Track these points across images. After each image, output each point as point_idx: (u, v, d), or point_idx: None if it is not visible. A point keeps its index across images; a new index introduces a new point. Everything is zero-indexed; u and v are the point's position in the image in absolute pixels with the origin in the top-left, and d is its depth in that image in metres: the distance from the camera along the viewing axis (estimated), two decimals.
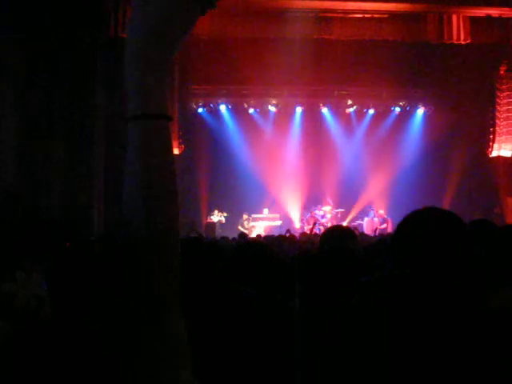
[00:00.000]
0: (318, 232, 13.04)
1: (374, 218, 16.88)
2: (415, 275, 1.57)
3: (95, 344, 1.09)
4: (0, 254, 3.46)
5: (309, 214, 17.29)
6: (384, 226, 16.57)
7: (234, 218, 16.60)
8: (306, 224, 17.11)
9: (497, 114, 16.15)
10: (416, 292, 1.54)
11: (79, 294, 1.23)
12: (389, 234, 11.06)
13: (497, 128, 16.15)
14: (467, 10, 14.72)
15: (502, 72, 16.09)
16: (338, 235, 3.02)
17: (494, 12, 14.66)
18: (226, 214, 16.54)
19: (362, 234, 12.45)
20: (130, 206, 1.06)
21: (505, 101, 16.07)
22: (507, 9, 14.59)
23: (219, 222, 16.47)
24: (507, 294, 1.92)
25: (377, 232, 15.14)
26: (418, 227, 1.68)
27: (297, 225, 17.51)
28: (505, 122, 16.06)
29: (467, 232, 1.66)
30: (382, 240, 4.88)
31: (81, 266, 1.26)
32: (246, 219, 16.62)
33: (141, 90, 1.06)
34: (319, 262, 2.60)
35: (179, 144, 16.01)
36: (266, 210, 17.08)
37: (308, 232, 13.57)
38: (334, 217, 17.34)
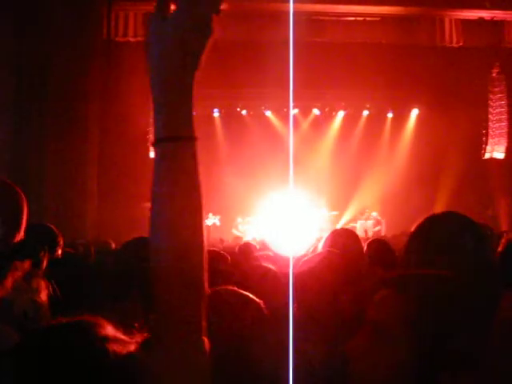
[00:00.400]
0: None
1: (368, 220, 16.87)
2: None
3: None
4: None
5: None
6: (378, 228, 16.57)
7: (227, 222, 16.57)
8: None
9: (489, 116, 16.22)
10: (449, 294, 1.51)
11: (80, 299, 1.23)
12: (383, 237, 11.07)
13: (489, 130, 16.22)
14: (459, 13, 14.79)
15: (494, 74, 16.16)
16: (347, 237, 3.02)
17: (486, 15, 14.73)
18: (218, 217, 16.50)
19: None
20: (155, 233, 1.05)
21: (497, 103, 16.14)
22: (499, 11, 14.67)
23: (213, 224, 16.43)
24: None
25: (367, 234, 15.19)
26: (440, 232, 1.66)
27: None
28: (497, 124, 16.13)
29: (487, 237, 1.65)
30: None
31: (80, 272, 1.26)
32: (240, 222, 16.60)
33: (167, 112, 1.06)
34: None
35: None
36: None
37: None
38: (328, 220, 17.32)
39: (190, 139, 1.06)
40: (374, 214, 17.04)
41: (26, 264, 3.42)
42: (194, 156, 1.06)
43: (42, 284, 3.21)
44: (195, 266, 1.04)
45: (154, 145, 1.06)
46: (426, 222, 1.71)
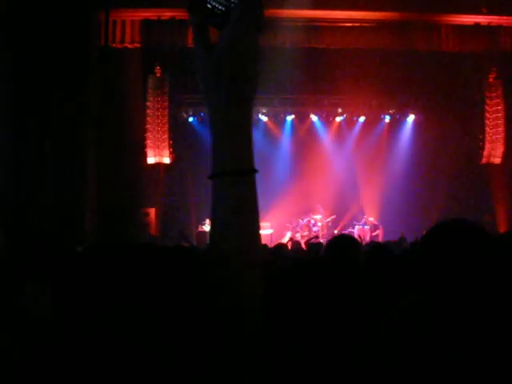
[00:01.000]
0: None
1: (365, 225, 16.89)
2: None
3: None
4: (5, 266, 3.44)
5: (301, 223, 17.30)
6: (377, 232, 16.60)
7: None
8: (299, 231, 17.11)
9: (486, 121, 16.25)
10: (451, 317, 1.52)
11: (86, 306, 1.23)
12: (380, 242, 11.07)
13: (486, 135, 16.25)
14: (455, 19, 14.85)
15: (490, 80, 16.20)
16: (342, 244, 3.02)
17: (482, 20, 14.79)
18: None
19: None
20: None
21: (494, 108, 16.18)
22: (495, 17, 14.73)
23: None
24: None
25: (363, 240, 15.17)
26: (448, 241, 1.64)
27: (287, 233, 17.48)
28: (494, 130, 16.16)
29: (495, 246, 1.63)
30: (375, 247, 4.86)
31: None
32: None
33: (229, 146, 1.06)
34: (320, 269, 2.60)
35: (170, 153, 16.01)
36: None
37: (299, 240, 13.60)
38: (325, 225, 17.34)
39: (251, 172, 1.08)
40: (371, 219, 17.08)
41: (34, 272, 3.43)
42: (254, 186, 1.09)
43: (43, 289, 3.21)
44: (255, 282, 1.06)
45: (214, 177, 1.07)
46: (434, 232, 1.70)
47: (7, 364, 1.13)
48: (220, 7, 1.04)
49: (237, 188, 1.06)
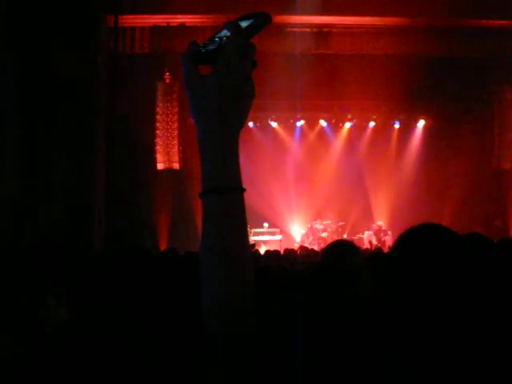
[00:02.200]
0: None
1: (374, 231, 16.84)
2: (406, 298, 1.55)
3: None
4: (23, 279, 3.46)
5: (309, 228, 17.29)
6: (385, 238, 16.54)
7: None
8: (306, 238, 17.09)
9: (496, 126, 16.19)
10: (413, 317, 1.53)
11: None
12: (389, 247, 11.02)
13: (496, 140, 16.19)
14: (466, 23, 14.81)
15: (499, 83, 16.15)
16: (339, 249, 3.01)
17: (490, 24, 14.76)
18: None
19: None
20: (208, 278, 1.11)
21: (504, 113, 16.12)
22: (504, 21, 14.69)
23: None
24: None
25: (373, 246, 15.15)
26: (417, 245, 1.65)
27: (297, 239, 17.47)
28: (504, 135, 16.10)
29: (468, 250, 1.64)
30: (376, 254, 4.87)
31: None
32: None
33: (217, 164, 1.11)
34: (319, 275, 2.60)
35: (180, 159, 16.04)
36: (266, 224, 17.03)
37: (308, 246, 13.58)
38: (335, 230, 17.31)
39: (238, 190, 1.13)
40: (380, 223, 17.00)
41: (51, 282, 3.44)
42: (242, 203, 1.13)
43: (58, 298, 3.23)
44: (248, 291, 1.10)
45: (202, 195, 1.12)
46: (404, 236, 1.71)
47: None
48: (212, 47, 1.14)
49: (225, 204, 1.10)
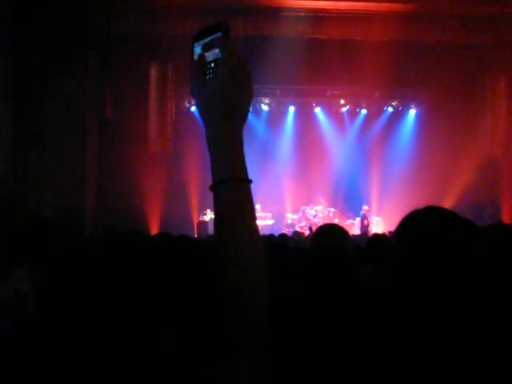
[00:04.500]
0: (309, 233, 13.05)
1: (368, 217, 16.88)
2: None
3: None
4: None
5: (301, 214, 17.33)
6: (371, 225, 16.59)
7: None
8: (298, 223, 17.14)
9: (489, 115, 16.22)
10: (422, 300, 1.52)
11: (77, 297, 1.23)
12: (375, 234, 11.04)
13: (489, 128, 16.23)
14: (459, 11, 14.76)
15: (494, 73, 16.16)
16: (330, 233, 3.02)
17: (486, 12, 14.72)
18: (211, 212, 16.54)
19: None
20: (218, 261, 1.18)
21: (497, 102, 16.15)
22: (499, 9, 14.65)
23: (211, 220, 16.46)
24: None
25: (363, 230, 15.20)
26: (422, 228, 1.63)
27: (289, 224, 17.52)
28: (497, 123, 16.14)
29: (476, 233, 1.61)
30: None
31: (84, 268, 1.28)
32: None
33: (225, 158, 1.22)
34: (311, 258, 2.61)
35: (172, 143, 16.01)
36: (257, 206, 17.05)
37: (300, 230, 13.62)
38: (326, 216, 17.36)
39: (245, 181, 1.22)
40: (365, 207, 16.95)
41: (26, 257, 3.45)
42: (250, 194, 1.22)
43: (27, 273, 3.24)
44: (259, 276, 1.16)
45: (214, 186, 1.21)
46: (408, 218, 1.70)
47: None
48: (211, 58, 1.30)
49: (234, 194, 1.20)
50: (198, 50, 1.35)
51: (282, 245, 5.24)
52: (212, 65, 1.28)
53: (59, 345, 1.13)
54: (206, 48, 1.32)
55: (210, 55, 1.30)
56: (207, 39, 1.32)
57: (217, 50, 1.28)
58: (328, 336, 2.00)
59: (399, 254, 1.63)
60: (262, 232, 13.51)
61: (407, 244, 1.62)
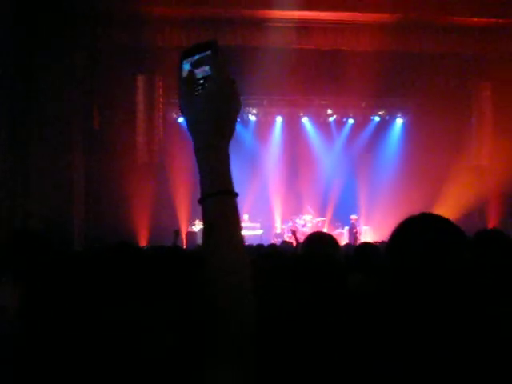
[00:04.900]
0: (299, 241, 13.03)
1: (357, 226, 16.91)
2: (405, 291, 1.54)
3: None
4: None
5: (290, 223, 17.33)
6: (358, 233, 16.62)
7: None
8: (286, 233, 17.13)
9: (474, 122, 16.33)
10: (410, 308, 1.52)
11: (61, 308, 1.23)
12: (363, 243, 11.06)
13: (474, 136, 16.33)
14: (445, 20, 14.89)
15: (478, 81, 16.28)
16: (320, 241, 3.03)
17: (471, 22, 14.86)
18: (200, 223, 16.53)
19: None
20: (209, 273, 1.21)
21: (482, 110, 16.26)
22: (485, 19, 14.79)
23: (200, 231, 16.45)
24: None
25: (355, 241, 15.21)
26: (415, 235, 1.64)
27: (278, 234, 17.51)
28: (482, 131, 16.25)
29: (467, 241, 1.62)
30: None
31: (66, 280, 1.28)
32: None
33: (213, 172, 1.27)
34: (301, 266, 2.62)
35: (160, 153, 15.99)
36: (245, 216, 17.06)
37: (289, 240, 13.61)
38: (315, 226, 17.37)
39: (231, 194, 1.27)
40: (354, 216, 17.00)
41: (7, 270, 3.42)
42: (236, 206, 1.26)
43: (9, 288, 3.21)
44: (243, 278, 1.20)
45: (202, 200, 1.26)
46: (402, 226, 1.70)
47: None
48: (201, 75, 1.34)
49: (221, 207, 1.24)
50: (186, 66, 1.38)
51: (271, 254, 5.24)
52: (201, 81, 1.32)
53: (53, 351, 1.13)
54: (195, 65, 1.35)
55: (200, 72, 1.34)
56: (196, 56, 1.35)
57: (207, 68, 1.32)
58: (313, 340, 2.01)
59: (389, 260, 1.64)
60: (250, 242, 13.52)
61: (399, 251, 1.62)
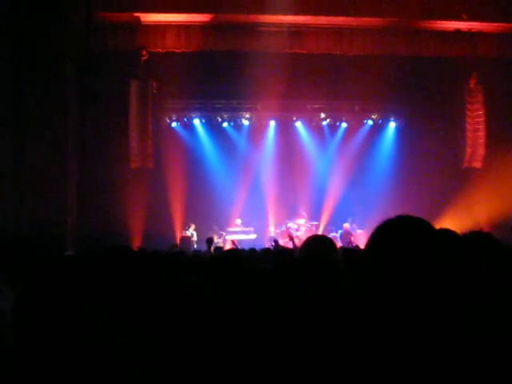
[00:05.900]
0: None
1: (351, 233, 16.91)
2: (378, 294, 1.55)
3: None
4: None
5: (283, 227, 17.32)
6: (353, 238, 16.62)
7: (208, 232, 16.46)
8: (280, 237, 17.11)
9: (467, 125, 16.37)
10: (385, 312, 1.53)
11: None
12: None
13: (467, 140, 16.37)
14: (437, 24, 14.97)
15: (471, 85, 16.33)
16: (318, 243, 3.03)
17: (462, 26, 14.93)
18: (194, 227, 16.53)
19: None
20: None
21: (474, 113, 16.31)
22: (476, 23, 14.88)
23: (193, 235, 16.43)
24: (488, 316, 1.82)
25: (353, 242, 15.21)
26: (390, 237, 1.65)
27: (271, 237, 17.48)
28: (475, 134, 16.29)
29: (441, 241, 1.63)
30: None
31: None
32: (219, 236, 16.57)
33: None
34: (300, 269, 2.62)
35: (153, 158, 15.96)
36: (238, 221, 17.04)
37: (283, 245, 13.60)
38: (309, 229, 17.37)
39: None
40: (347, 224, 17.06)
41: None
42: None
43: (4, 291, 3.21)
44: None
45: None
46: (379, 228, 1.71)
47: None
48: None
49: None
50: None
51: (265, 257, 5.25)
52: None
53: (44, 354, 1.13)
54: None
55: None
56: None
57: None
58: (312, 339, 2.01)
59: (369, 263, 1.65)
60: (243, 246, 13.50)
61: (375, 252, 1.64)
